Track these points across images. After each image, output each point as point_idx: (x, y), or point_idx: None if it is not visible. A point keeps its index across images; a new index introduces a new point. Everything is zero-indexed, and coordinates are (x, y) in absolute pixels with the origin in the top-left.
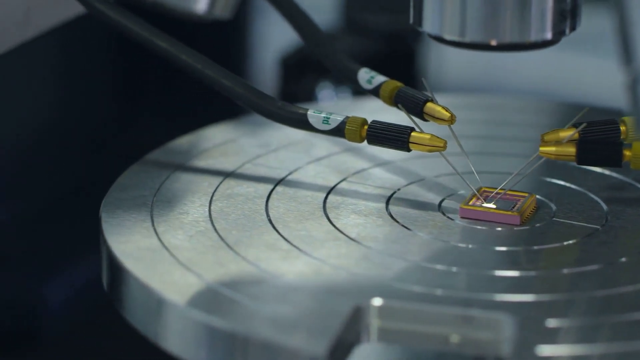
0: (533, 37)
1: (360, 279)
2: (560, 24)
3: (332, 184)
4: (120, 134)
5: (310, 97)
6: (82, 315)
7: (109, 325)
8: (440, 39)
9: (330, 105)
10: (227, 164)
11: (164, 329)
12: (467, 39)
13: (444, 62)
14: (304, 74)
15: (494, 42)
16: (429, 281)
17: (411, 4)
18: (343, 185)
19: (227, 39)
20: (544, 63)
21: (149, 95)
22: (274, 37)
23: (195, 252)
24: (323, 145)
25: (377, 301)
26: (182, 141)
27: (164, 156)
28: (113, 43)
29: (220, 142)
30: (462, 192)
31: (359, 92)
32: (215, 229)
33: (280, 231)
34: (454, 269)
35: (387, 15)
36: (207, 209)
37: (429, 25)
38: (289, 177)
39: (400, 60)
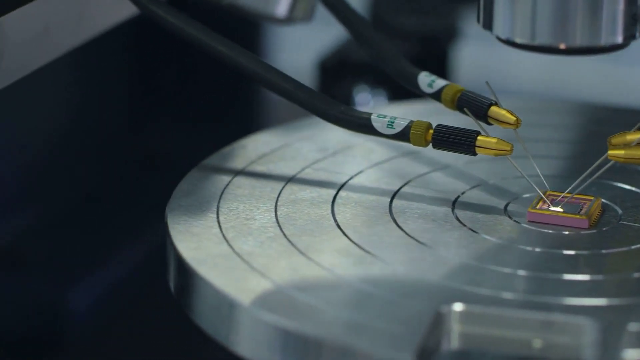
0: (603, 41)
1: (435, 284)
2: (630, 28)
3: (395, 188)
4: (134, 139)
5: (348, 101)
6: (104, 320)
7: (131, 331)
8: (510, 43)
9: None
10: (286, 169)
11: (237, 333)
12: (537, 42)
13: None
14: (342, 77)
15: (563, 46)
16: (504, 285)
17: (480, 7)
18: (406, 189)
19: (263, 40)
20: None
21: (163, 101)
22: (312, 40)
23: (268, 258)
24: (379, 149)
25: (458, 306)
26: (237, 146)
27: (222, 162)
28: (128, 52)
29: (276, 147)
30: (526, 195)
31: (395, 96)
32: (284, 235)
33: (351, 236)
34: (526, 273)
35: (418, 17)
36: (273, 215)
37: (499, 28)
38: (351, 182)
39: (432, 62)
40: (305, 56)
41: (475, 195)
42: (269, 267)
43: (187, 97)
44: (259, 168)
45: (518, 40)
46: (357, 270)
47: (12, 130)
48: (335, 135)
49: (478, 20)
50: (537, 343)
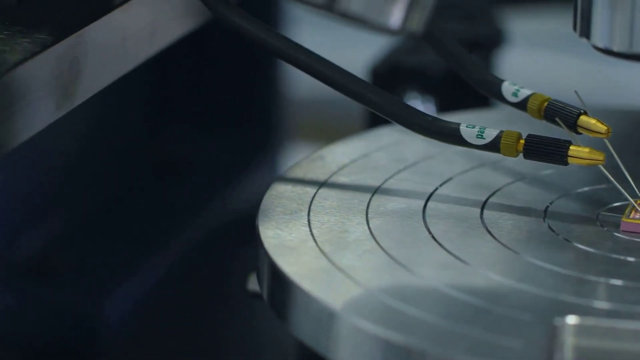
0: None
1: (543, 296)
2: None
3: (482, 199)
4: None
5: None
6: (135, 330)
7: (162, 340)
8: (608, 51)
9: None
10: (370, 180)
11: (343, 347)
12: (635, 51)
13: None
14: (393, 84)
15: None
16: (609, 297)
17: (577, 16)
18: (494, 199)
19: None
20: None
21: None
22: (364, 45)
23: (370, 271)
24: (458, 159)
25: (572, 319)
26: (315, 157)
27: (303, 173)
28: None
29: (355, 158)
30: (616, 204)
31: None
32: (382, 248)
33: (448, 248)
34: (630, 284)
35: (462, 22)
36: (366, 227)
37: (597, 37)
38: (437, 192)
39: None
40: (356, 60)
41: (565, 205)
42: (371, 281)
43: (206, 102)
44: (342, 179)
45: (616, 49)
46: (460, 283)
47: (34, 139)
48: (411, 145)
49: (575, 29)
50: None
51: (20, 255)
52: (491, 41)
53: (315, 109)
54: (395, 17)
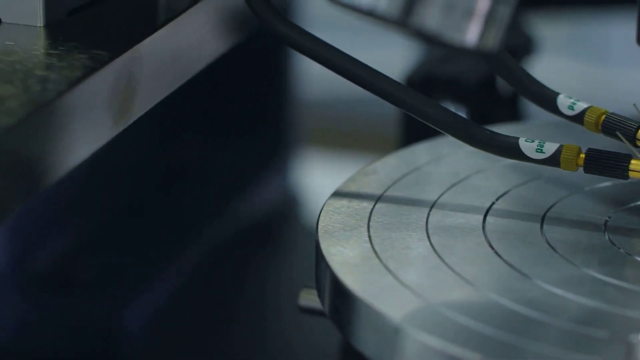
0: None
1: (610, 312)
2: None
3: (540, 212)
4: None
5: None
6: (153, 338)
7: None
8: None
9: None
10: (425, 195)
11: None
12: None
13: None
14: (427, 94)
15: None
16: None
17: None
18: (552, 213)
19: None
20: None
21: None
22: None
23: (436, 288)
24: (509, 172)
25: None
26: (367, 171)
27: (356, 188)
28: None
29: (407, 172)
30: None
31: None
32: (446, 264)
33: (514, 265)
34: None
35: None
36: (428, 243)
37: None
38: (495, 207)
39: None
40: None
41: (624, 218)
42: (438, 297)
43: (218, 109)
44: (397, 194)
45: None
46: (529, 299)
47: None
48: (461, 158)
49: (638, 41)
50: None
51: (38, 267)
52: (521, 49)
53: (326, 115)
54: (472, 35)
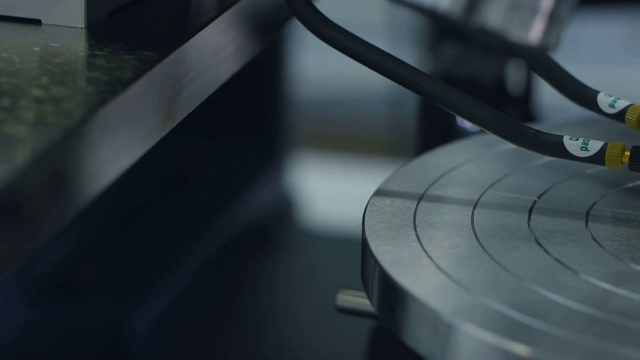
0: None
1: None
2: None
3: (584, 210)
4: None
5: None
6: (159, 341)
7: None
8: None
9: None
10: (467, 193)
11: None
12: None
13: None
14: None
15: None
16: None
17: None
18: (595, 211)
19: None
20: None
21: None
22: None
23: (490, 287)
24: (549, 170)
25: None
26: (407, 170)
27: (398, 186)
28: None
29: (446, 170)
30: None
31: None
32: (496, 262)
33: (564, 262)
34: None
35: None
36: (476, 242)
37: None
38: (538, 205)
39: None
40: None
41: None
42: (492, 295)
43: (214, 112)
44: (439, 192)
45: None
46: (581, 296)
47: None
48: (496, 157)
49: None
50: None
51: (43, 271)
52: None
53: (322, 118)
54: (535, 32)
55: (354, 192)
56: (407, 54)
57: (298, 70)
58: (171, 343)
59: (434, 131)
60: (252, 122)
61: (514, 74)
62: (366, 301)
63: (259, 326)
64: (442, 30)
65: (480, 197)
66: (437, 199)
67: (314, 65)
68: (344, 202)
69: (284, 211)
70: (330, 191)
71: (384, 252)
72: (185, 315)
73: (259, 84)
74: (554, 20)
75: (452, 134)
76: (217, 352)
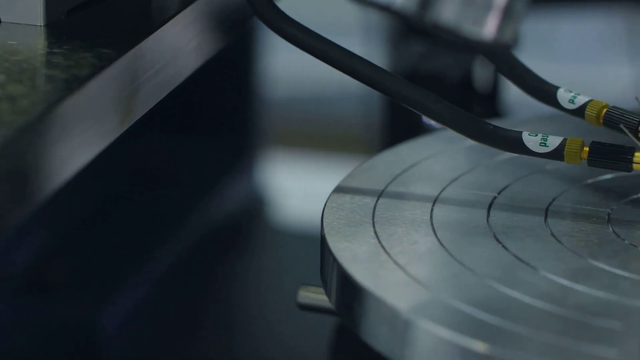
0: None
1: (620, 303)
2: None
3: (544, 206)
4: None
5: None
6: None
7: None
8: None
9: None
10: (427, 189)
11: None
12: None
13: None
14: None
15: None
16: None
17: None
18: (555, 206)
19: None
20: None
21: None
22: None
23: (448, 283)
24: (509, 166)
25: None
26: (367, 166)
27: (358, 183)
28: None
29: (407, 167)
30: None
31: None
32: (456, 260)
33: (522, 258)
34: None
35: None
36: (435, 238)
37: None
38: (498, 201)
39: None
40: None
41: (627, 210)
42: (449, 291)
43: (185, 109)
44: (399, 189)
45: None
46: (540, 292)
47: None
48: (457, 153)
49: None
50: None
51: (12, 269)
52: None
53: (293, 116)
54: (489, 28)
55: (325, 190)
56: (375, 51)
57: (269, 68)
58: (142, 341)
59: (405, 128)
60: (222, 119)
61: (482, 71)
62: (327, 298)
63: (231, 323)
64: (409, 27)
65: (440, 193)
66: (397, 196)
67: (285, 63)
68: (315, 199)
69: (255, 209)
70: (301, 189)
71: (341, 249)
72: (155, 313)
73: (230, 82)
74: (509, 15)
75: (424, 131)
76: (188, 349)
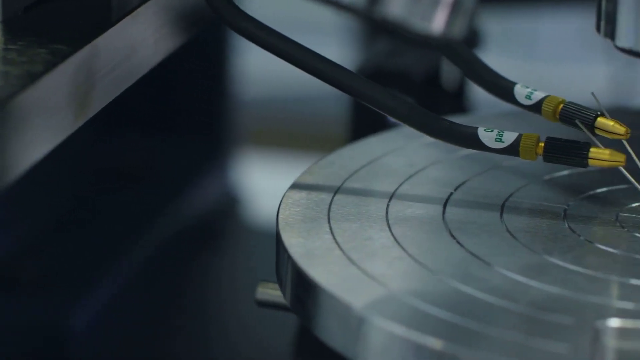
0: None
1: (572, 298)
2: None
3: (500, 202)
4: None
5: None
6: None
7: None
8: (633, 53)
9: None
10: (383, 185)
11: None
12: None
13: None
14: None
15: None
16: (638, 298)
17: (602, 17)
18: (511, 202)
19: None
20: None
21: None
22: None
23: (400, 278)
24: (468, 162)
25: (614, 322)
26: (324, 163)
27: (314, 180)
28: None
29: (365, 163)
30: (634, 204)
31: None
32: (409, 254)
33: (478, 254)
34: None
35: None
36: (390, 234)
37: (623, 38)
38: (453, 197)
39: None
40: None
41: (584, 206)
42: (402, 287)
43: (157, 108)
44: (356, 185)
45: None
46: (494, 288)
47: None
48: (418, 149)
49: (598, 30)
50: None
51: None
52: (467, 43)
53: (266, 115)
54: (438, 22)
55: None
56: (344, 49)
57: (241, 67)
58: (112, 340)
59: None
60: (196, 118)
61: (450, 68)
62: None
63: (203, 322)
64: (376, 25)
65: (397, 189)
66: (354, 192)
67: (258, 61)
68: None
69: (228, 207)
70: (272, 186)
71: (295, 245)
72: (127, 313)
73: (203, 80)
74: (457, 10)
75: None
76: (159, 349)
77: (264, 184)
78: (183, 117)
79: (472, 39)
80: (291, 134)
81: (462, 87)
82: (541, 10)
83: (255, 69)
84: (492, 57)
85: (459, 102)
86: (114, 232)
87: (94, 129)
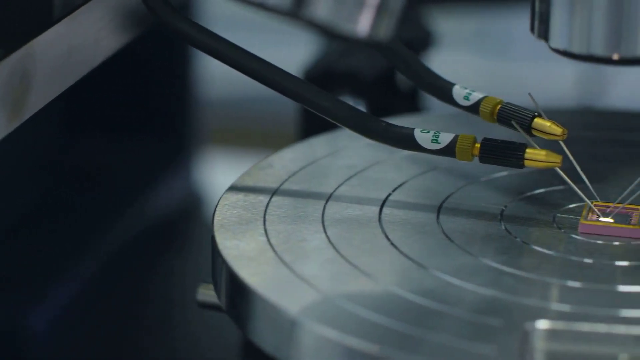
0: None
1: (506, 300)
2: None
3: (437, 203)
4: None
5: None
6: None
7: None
8: (566, 54)
9: None
10: (322, 187)
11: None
12: (593, 52)
13: None
14: (326, 88)
15: (617, 57)
16: (573, 300)
17: (535, 18)
18: (448, 204)
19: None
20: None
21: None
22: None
23: (332, 280)
24: (407, 164)
25: (542, 323)
26: (264, 164)
27: (253, 182)
28: None
29: (304, 165)
30: (571, 206)
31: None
32: (343, 256)
33: (410, 255)
34: (592, 285)
35: None
36: (324, 235)
37: (556, 39)
38: (391, 198)
39: None
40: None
41: (521, 207)
42: (334, 289)
43: (119, 109)
44: (294, 187)
45: (575, 50)
46: (423, 289)
47: None
48: (359, 151)
49: (532, 31)
50: (624, 358)
51: None
52: (420, 43)
53: (227, 114)
54: (363, 24)
55: None
56: (295, 50)
57: (204, 66)
58: (72, 341)
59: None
60: (157, 117)
61: None
62: None
63: (168, 322)
64: None
65: (334, 190)
66: (291, 193)
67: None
68: None
69: (190, 207)
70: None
71: (229, 247)
72: (87, 313)
73: (164, 79)
74: (383, 11)
75: None
76: (123, 347)
77: (227, 183)
78: (144, 116)
79: (426, 39)
80: (254, 132)
81: (417, 88)
82: (518, 10)
83: (217, 67)
84: (461, 56)
85: (413, 102)
86: (76, 233)
87: (55, 129)
